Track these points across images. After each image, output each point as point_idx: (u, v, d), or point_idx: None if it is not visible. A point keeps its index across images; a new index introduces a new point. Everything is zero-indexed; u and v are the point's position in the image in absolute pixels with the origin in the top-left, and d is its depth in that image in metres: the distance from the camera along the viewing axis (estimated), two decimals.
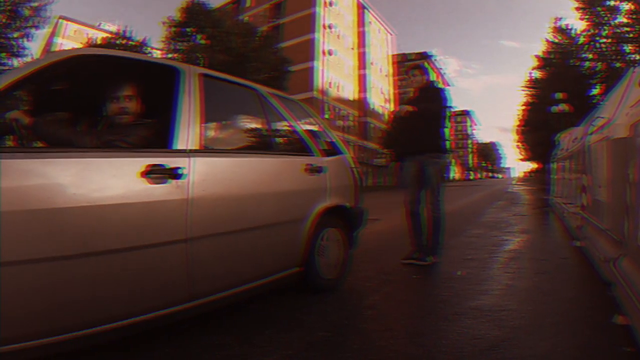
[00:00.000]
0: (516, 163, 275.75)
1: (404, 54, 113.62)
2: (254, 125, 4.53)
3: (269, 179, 3.98)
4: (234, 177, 3.54)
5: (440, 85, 6.46)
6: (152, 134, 3.39)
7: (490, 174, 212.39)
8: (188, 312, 3.14)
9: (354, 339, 3.33)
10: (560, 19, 41.01)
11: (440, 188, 6.06)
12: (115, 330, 2.72)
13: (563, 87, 36.25)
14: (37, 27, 28.10)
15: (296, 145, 4.61)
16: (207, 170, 3.22)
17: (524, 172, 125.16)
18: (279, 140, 4.40)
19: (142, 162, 2.84)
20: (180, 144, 3.14)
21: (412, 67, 6.65)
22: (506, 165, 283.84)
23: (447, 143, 6.29)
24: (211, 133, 3.90)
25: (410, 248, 6.24)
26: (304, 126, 4.79)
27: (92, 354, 2.94)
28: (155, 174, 2.86)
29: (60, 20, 71.63)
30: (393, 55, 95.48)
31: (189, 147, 3.18)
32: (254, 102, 4.25)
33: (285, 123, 4.58)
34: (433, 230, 6.04)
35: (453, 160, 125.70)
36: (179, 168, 2.99)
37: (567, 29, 40.42)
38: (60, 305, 2.51)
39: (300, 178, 4.35)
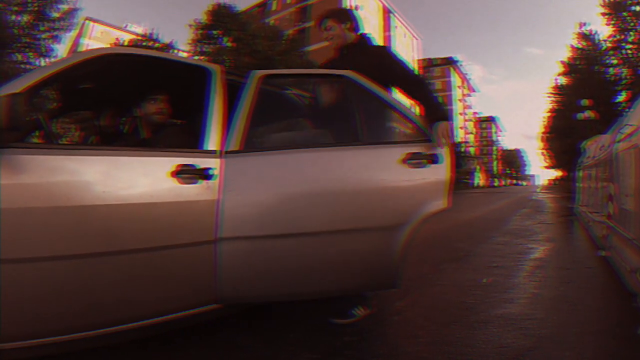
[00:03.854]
0: (541, 170, 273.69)
1: (429, 59, 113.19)
2: (331, 117, 4.34)
3: (335, 176, 3.33)
4: (280, 177, 3.23)
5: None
6: (183, 134, 3.42)
7: (514, 181, 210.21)
8: (212, 315, 3.17)
9: (380, 344, 3.34)
10: (584, 24, 40.64)
11: None
12: (139, 329, 2.78)
13: (589, 94, 35.90)
14: (66, 30, 28.48)
15: (407, 133, 4.09)
16: (241, 171, 3.12)
17: (549, 180, 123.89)
18: (377, 129, 3.88)
19: (173, 161, 2.87)
20: (211, 144, 3.12)
21: (323, 16, 4.40)
22: (531, 173, 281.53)
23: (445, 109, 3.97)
24: (259, 132, 3.84)
25: None
26: (407, 112, 3.81)
27: (116, 352, 3.01)
28: (186, 174, 2.88)
29: (87, 22, 72.38)
30: (419, 60, 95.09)
31: (224, 148, 3.15)
32: (340, 91, 3.93)
33: (388, 109, 3.89)
34: None
35: (478, 167, 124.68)
36: (209, 169, 2.99)
37: (591, 34, 40.06)
38: (86, 302, 2.57)
39: (395, 173, 3.44)
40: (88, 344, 2.61)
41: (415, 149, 3.51)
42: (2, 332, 2.34)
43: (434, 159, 3.51)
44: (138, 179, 2.72)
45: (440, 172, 3.52)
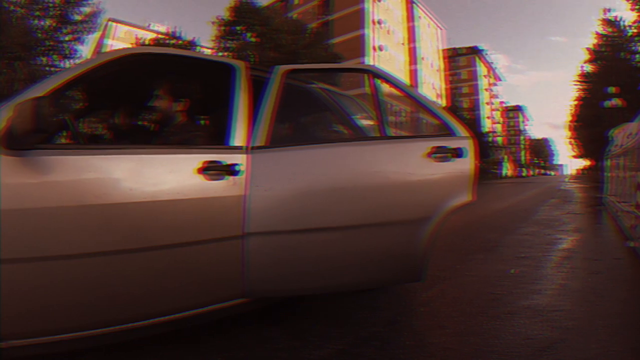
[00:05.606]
0: (569, 160, 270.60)
1: (454, 49, 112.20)
2: (356, 112, 4.26)
3: (361, 171, 3.31)
4: (306, 172, 3.21)
5: None
6: (209, 131, 3.44)
7: (542, 171, 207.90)
8: (239, 309, 3.20)
9: (406, 335, 3.34)
10: (609, 10, 40.05)
11: None
12: (167, 323, 2.83)
13: (615, 81, 35.39)
14: (89, 32, 28.77)
15: (431, 129, 4.02)
16: (267, 166, 3.12)
17: (577, 169, 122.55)
18: (398, 126, 3.75)
19: (199, 158, 2.89)
20: (237, 140, 3.13)
21: None
22: (559, 162, 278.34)
23: None
24: (286, 128, 3.81)
25: None
26: (431, 105, 3.84)
27: (143, 345, 3.06)
28: (212, 170, 2.91)
29: (110, 23, 72.88)
30: (443, 50, 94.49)
31: (250, 144, 3.15)
32: (363, 87, 3.91)
33: (412, 103, 3.86)
34: None
35: (505, 157, 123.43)
36: (235, 165, 3.00)
37: (616, 20, 39.45)
38: (115, 298, 2.63)
39: (420, 167, 3.41)
40: (118, 337, 2.68)
41: (439, 142, 3.48)
42: (37, 327, 2.42)
43: (458, 153, 3.48)
44: (165, 177, 2.75)
45: (465, 165, 3.50)
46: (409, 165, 3.39)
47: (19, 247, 2.29)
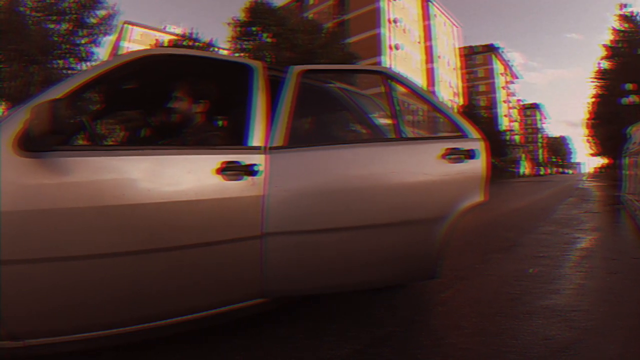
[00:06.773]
0: (586, 158, 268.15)
1: (470, 47, 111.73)
2: (374, 111, 4.30)
3: (378, 171, 3.36)
4: (324, 173, 3.25)
5: None
6: (227, 131, 3.45)
7: (560, 170, 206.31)
8: (257, 309, 3.21)
9: (423, 335, 3.33)
10: (625, 5, 39.68)
11: None
12: (185, 323, 2.85)
13: (633, 78, 35.07)
14: (105, 34, 28.96)
15: (444, 128, 4.01)
16: (285, 166, 3.12)
17: (595, 168, 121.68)
18: (410, 125, 3.84)
19: (218, 159, 2.90)
20: (255, 141, 3.14)
21: None
22: (576, 161, 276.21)
23: None
24: (302, 127, 3.79)
25: None
26: (444, 108, 3.91)
27: (161, 344, 3.08)
28: (231, 170, 2.91)
29: (126, 25, 73.40)
30: (460, 48, 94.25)
31: (268, 144, 3.15)
32: (379, 87, 3.97)
33: (425, 105, 4.02)
34: None
35: (523, 155, 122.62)
36: (254, 165, 3.00)
37: (633, 16, 39.09)
38: (133, 298, 2.65)
39: (435, 168, 3.47)
40: (135, 337, 2.72)
41: (453, 144, 3.56)
42: (54, 326, 2.46)
43: (471, 154, 3.57)
44: (183, 177, 2.76)
45: (477, 166, 3.59)
46: (425, 166, 3.45)
47: (38, 248, 2.32)
